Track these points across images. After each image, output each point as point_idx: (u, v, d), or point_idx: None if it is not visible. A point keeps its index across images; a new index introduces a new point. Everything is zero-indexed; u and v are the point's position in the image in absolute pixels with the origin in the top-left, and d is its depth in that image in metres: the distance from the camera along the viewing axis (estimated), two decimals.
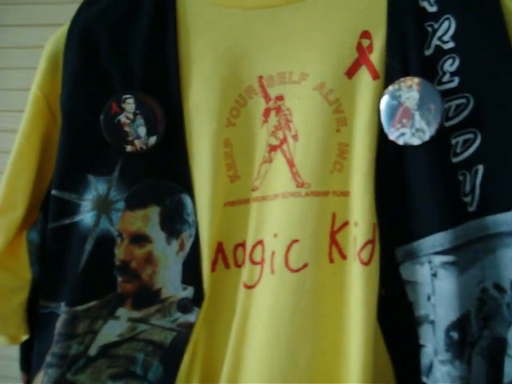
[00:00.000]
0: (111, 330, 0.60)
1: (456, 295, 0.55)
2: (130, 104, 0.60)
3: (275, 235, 0.58)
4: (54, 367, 0.59)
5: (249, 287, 0.59)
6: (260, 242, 0.59)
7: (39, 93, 0.63)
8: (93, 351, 0.60)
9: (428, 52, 0.58)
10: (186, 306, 0.60)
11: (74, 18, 0.64)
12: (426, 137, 0.56)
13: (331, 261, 0.58)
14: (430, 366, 0.56)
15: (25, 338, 0.64)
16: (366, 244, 0.56)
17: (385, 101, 0.57)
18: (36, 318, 0.62)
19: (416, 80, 0.57)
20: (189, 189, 0.60)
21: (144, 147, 0.60)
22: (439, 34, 0.58)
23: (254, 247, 0.59)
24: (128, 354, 0.60)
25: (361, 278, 0.56)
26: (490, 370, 0.57)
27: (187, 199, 0.60)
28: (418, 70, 0.57)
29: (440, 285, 0.56)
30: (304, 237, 0.57)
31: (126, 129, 0.60)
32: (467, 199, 0.57)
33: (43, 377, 0.59)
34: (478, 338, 0.57)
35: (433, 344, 0.56)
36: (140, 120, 0.60)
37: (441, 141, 0.57)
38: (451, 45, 0.58)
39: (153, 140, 0.60)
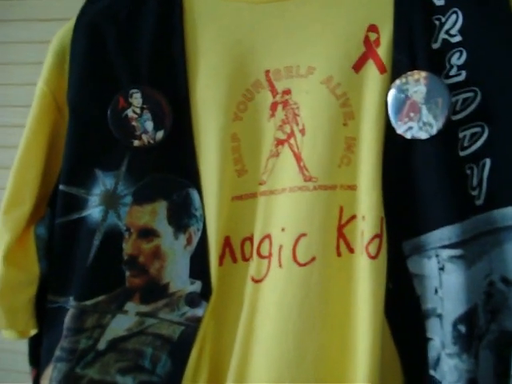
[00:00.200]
0: (119, 325, 0.61)
1: (463, 289, 0.55)
2: (137, 98, 0.60)
3: (283, 229, 0.58)
4: (63, 361, 0.60)
5: (256, 281, 0.59)
6: (267, 236, 0.59)
7: (46, 88, 0.63)
8: (101, 345, 0.60)
9: (435, 45, 0.58)
10: (193, 300, 0.60)
11: (80, 12, 0.64)
12: (434, 130, 0.56)
13: (339, 254, 0.58)
14: (438, 360, 0.56)
15: (33, 332, 0.64)
16: (373, 238, 0.57)
17: (392, 94, 0.57)
18: (44, 312, 0.63)
19: (423, 74, 0.56)
20: (196, 183, 0.60)
21: (151, 142, 0.60)
22: (446, 27, 0.58)
23: (261, 241, 0.60)
24: (136, 348, 0.60)
25: (368, 271, 0.57)
26: (497, 363, 0.57)
27: (195, 194, 0.60)
28: (426, 63, 0.57)
29: (447, 278, 0.56)
30: (311, 230, 0.58)
31: (134, 123, 0.60)
32: (474, 193, 0.57)
33: (52, 371, 0.60)
34: (486, 331, 0.57)
35: (440, 337, 0.56)
36: (147, 114, 0.60)
37: (448, 134, 0.57)
38: (458, 38, 0.58)
39: (160, 134, 0.60)
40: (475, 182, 0.57)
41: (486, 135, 0.57)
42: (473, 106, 0.57)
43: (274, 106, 0.60)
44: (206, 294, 0.60)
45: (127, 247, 0.61)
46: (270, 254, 0.59)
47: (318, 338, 0.57)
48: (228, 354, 0.60)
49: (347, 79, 0.58)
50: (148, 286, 0.61)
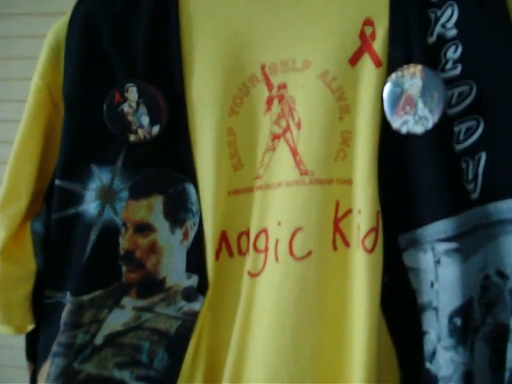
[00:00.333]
0: (116, 319, 0.61)
1: (459, 282, 0.55)
2: (132, 93, 0.60)
3: (279, 223, 0.58)
4: (60, 356, 0.60)
5: (253, 275, 0.59)
6: (264, 231, 0.60)
7: (41, 83, 0.63)
8: (99, 340, 0.60)
9: (431, 39, 0.58)
10: (190, 294, 0.60)
11: (75, 7, 0.63)
12: (429, 124, 0.56)
13: (335, 248, 0.59)
14: (434, 352, 0.57)
15: (30, 327, 0.64)
16: (369, 231, 0.57)
17: (388, 88, 0.57)
18: (41, 307, 0.63)
19: (419, 67, 0.56)
20: (192, 178, 0.60)
21: (147, 136, 0.60)
22: (442, 21, 0.58)
23: (257, 235, 0.60)
24: (133, 342, 0.61)
25: (364, 265, 0.57)
26: (492, 355, 0.57)
27: (191, 188, 0.60)
28: (421, 57, 0.57)
29: (443, 272, 0.56)
30: (308, 225, 0.58)
31: (129, 118, 0.60)
32: (470, 186, 0.57)
33: (50, 366, 0.60)
34: (481, 324, 0.57)
35: (436, 330, 0.56)
36: (143, 109, 0.60)
37: (444, 128, 0.57)
38: (454, 32, 0.58)
39: (156, 129, 0.60)
40: (471, 175, 0.57)
41: (481, 129, 0.57)
42: (468, 100, 0.57)
43: (269, 100, 0.60)
44: (202, 288, 0.60)
45: (124, 242, 0.61)
46: (267, 249, 0.59)
47: (314, 332, 0.57)
48: (225, 348, 0.60)
49: (343, 73, 0.58)
50: (145, 281, 0.61)
